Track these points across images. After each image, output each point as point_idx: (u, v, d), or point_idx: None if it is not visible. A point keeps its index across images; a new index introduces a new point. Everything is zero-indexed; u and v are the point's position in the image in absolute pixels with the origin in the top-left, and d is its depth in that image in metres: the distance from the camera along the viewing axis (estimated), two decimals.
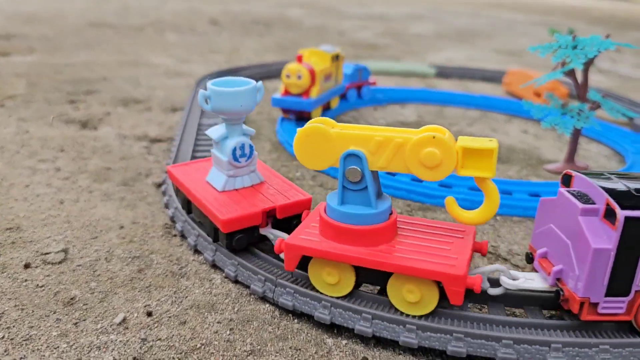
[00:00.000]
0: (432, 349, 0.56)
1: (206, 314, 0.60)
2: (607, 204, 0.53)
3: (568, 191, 0.58)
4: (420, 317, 0.57)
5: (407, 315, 0.57)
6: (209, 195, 0.70)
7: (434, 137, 0.55)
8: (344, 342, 0.57)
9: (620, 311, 0.55)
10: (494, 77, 1.83)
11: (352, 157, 0.57)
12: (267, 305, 0.62)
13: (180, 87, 1.52)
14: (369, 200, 0.59)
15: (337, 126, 0.59)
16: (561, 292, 0.56)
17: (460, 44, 2.61)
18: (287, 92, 1.17)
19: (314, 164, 0.60)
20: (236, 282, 0.66)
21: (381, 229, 0.59)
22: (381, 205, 0.60)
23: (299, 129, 0.59)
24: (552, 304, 0.61)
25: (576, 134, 1.05)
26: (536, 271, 0.61)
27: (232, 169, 0.71)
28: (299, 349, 0.55)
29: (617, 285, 0.53)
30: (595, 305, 0.54)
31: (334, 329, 0.59)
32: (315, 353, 0.55)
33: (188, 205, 0.76)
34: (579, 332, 0.56)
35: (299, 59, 1.15)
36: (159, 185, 0.90)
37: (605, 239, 0.52)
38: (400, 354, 0.56)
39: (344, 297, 0.60)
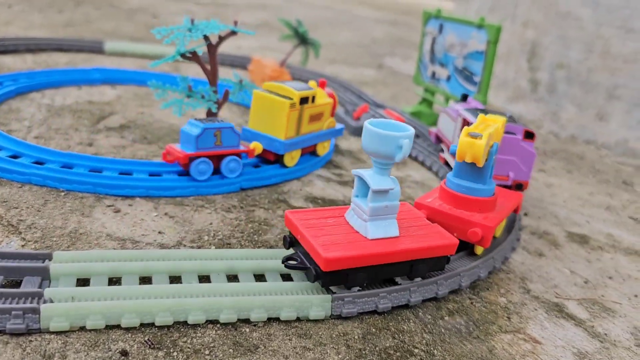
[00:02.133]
0: None
1: None
2: (526, 131, 1.00)
3: (507, 131, 1.01)
4: None
5: None
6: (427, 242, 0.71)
7: None
8: None
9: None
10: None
11: None
12: None
13: None
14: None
15: None
16: (522, 185, 1.01)
17: (271, 33, 2.64)
18: None
19: None
20: None
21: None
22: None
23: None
24: None
25: (211, 116, 1.08)
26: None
27: None
28: None
29: None
30: None
31: None
32: None
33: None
34: None
35: None
36: None
37: (532, 148, 1.01)
38: None
39: None
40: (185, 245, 0.78)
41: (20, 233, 0.75)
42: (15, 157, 0.93)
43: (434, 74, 1.51)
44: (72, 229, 0.77)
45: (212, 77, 1.05)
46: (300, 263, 0.68)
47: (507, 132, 1.00)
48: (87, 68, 1.47)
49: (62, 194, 0.87)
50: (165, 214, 0.85)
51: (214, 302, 0.62)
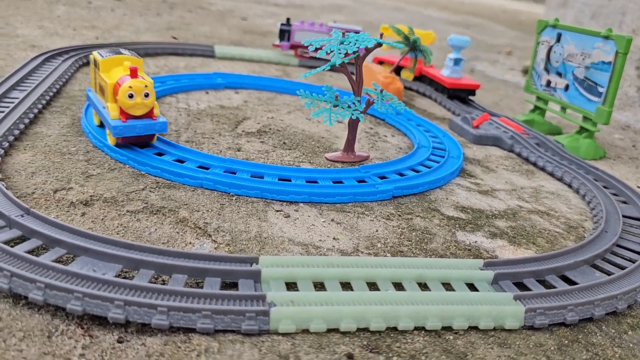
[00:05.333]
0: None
1: None
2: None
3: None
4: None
5: None
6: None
7: None
8: None
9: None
10: None
11: None
12: None
13: (20, 60, 1.52)
14: None
15: None
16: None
17: None
18: (126, 115, 0.94)
19: None
20: None
21: None
22: None
23: None
24: None
25: (353, 125, 1.11)
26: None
27: None
28: None
29: None
30: None
31: None
32: None
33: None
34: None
35: (134, 73, 0.93)
36: None
37: None
38: None
39: None
40: (362, 252, 0.81)
41: (210, 236, 0.80)
42: (180, 161, 0.99)
43: (549, 83, 1.51)
44: (256, 233, 0.82)
45: (358, 87, 1.09)
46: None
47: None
48: (209, 73, 1.54)
49: (233, 198, 0.92)
50: (332, 220, 0.89)
51: (421, 310, 0.65)
